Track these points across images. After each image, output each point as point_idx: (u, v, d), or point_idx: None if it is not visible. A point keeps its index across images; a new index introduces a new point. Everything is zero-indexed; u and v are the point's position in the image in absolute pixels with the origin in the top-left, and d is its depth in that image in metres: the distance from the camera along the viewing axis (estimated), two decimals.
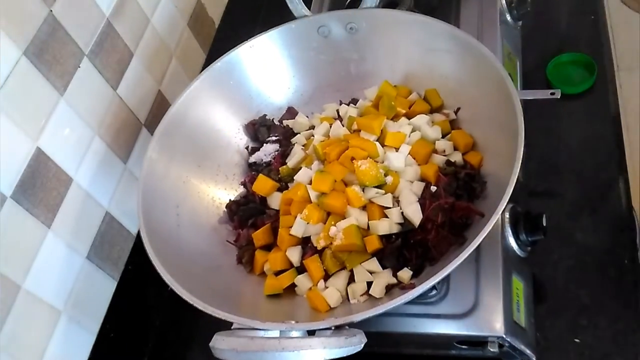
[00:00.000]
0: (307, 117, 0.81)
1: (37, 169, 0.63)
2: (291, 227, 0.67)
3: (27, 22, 0.62)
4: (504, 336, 0.59)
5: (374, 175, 0.64)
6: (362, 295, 0.63)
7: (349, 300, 0.64)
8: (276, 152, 0.78)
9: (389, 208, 0.64)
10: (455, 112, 0.74)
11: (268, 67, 0.81)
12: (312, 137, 0.75)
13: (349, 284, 0.64)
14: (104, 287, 0.74)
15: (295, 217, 0.67)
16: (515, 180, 0.55)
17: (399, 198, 0.65)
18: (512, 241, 0.66)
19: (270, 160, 0.78)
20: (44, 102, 0.64)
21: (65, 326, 0.66)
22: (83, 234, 0.70)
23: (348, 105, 0.80)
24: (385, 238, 0.63)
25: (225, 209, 0.76)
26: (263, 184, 0.73)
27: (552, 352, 0.66)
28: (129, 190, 0.77)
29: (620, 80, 1.53)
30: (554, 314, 0.68)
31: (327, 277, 0.65)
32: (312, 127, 0.79)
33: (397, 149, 0.69)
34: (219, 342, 0.50)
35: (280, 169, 0.74)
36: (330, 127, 0.75)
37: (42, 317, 0.64)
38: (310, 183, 0.67)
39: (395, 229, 0.63)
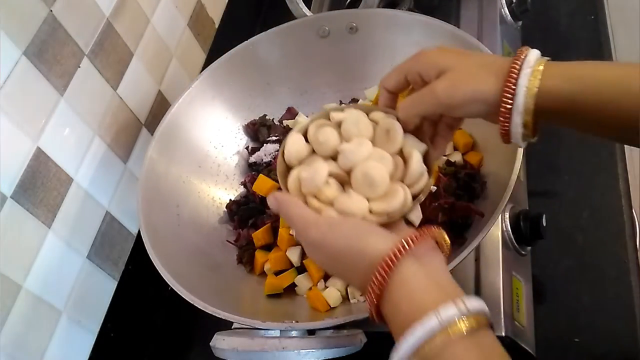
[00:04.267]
0: (307, 117, 0.81)
1: (37, 169, 0.63)
2: None
3: (27, 22, 0.62)
4: (504, 336, 0.59)
5: None
6: (362, 295, 0.63)
7: (349, 300, 0.64)
8: (276, 152, 0.78)
9: None
10: None
11: (268, 67, 0.81)
12: None
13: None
14: (104, 287, 0.74)
15: None
16: (515, 180, 0.55)
17: None
18: (512, 241, 0.66)
19: (270, 160, 0.78)
20: (44, 102, 0.64)
21: (66, 326, 0.66)
22: (83, 233, 0.70)
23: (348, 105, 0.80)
24: None
25: (225, 209, 0.76)
26: (263, 184, 0.73)
27: (552, 352, 0.66)
28: (129, 190, 0.77)
29: None
30: (554, 314, 0.68)
31: (327, 277, 0.65)
32: None
33: None
34: (220, 342, 0.50)
35: None
36: None
37: (43, 317, 0.64)
38: None
39: None
